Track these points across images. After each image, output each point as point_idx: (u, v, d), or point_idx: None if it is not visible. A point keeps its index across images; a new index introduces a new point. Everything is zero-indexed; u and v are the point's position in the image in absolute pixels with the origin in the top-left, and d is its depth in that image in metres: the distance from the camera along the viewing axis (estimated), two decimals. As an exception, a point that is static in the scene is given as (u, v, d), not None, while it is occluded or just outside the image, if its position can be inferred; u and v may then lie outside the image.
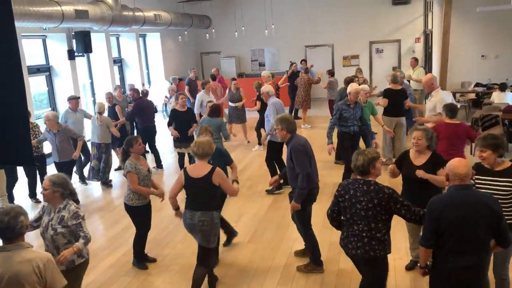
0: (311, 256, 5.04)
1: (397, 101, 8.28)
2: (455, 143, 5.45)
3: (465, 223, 3.17)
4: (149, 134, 9.16)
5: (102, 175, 8.37)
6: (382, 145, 8.51)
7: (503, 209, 3.36)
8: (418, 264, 3.66)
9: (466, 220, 3.16)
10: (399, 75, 8.84)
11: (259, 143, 10.43)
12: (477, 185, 3.75)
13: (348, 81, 8.90)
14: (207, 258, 4.49)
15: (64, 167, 7.23)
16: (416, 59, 12.09)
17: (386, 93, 8.52)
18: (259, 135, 10.51)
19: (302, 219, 4.92)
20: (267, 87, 8.21)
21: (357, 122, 7.20)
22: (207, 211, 4.33)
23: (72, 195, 3.83)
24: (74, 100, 8.43)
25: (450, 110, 5.76)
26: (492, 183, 3.69)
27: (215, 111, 7.35)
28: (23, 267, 2.81)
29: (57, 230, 3.68)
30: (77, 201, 3.90)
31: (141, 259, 5.34)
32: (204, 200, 4.33)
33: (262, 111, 9.50)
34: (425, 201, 3.47)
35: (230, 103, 10.94)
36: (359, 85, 8.29)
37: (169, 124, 8.33)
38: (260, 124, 10.11)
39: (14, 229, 2.86)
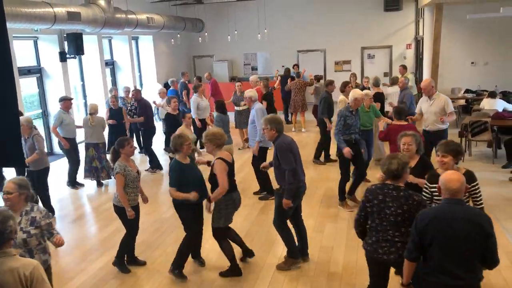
0: (288, 251, 5.13)
1: (380, 102, 9.21)
2: None
3: (450, 238, 3.01)
4: (149, 135, 9.63)
5: (107, 172, 8.49)
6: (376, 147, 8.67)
7: None
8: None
9: (452, 236, 3.00)
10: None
11: None
12: (429, 193, 3.94)
13: (344, 85, 9.00)
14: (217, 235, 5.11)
15: (36, 175, 6.74)
16: (404, 66, 12.25)
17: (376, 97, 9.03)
18: None
19: (281, 213, 5.01)
20: (251, 91, 7.90)
21: (358, 129, 6.84)
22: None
23: (32, 198, 3.81)
24: (67, 101, 8.34)
25: (397, 112, 6.51)
26: None
27: (221, 107, 7.75)
28: (7, 278, 2.65)
29: (30, 232, 3.65)
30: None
31: (124, 263, 5.32)
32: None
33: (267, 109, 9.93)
34: None
35: (236, 108, 10.81)
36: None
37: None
38: None
39: (3, 233, 2.73)
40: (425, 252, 3.15)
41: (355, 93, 6.77)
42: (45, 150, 7.36)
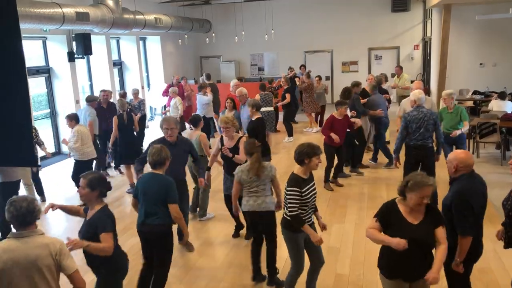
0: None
1: None
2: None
3: (485, 202, 3.71)
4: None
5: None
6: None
7: None
8: (455, 260, 3.61)
9: (485, 199, 3.71)
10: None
11: (290, 135, 11.13)
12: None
13: (354, 85, 9.12)
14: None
15: (8, 189, 6.28)
16: (401, 67, 12.64)
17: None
18: (289, 127, 11.48)
19: None
20: (243, 89, 8.45)
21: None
22: None
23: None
24: (94, 102, 9.05)
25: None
26: None
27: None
28: (42, 251, 2.96)
29: None
30: None
31: None
32: None
33: (288, 104, 11.64)
34: None
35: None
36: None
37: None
38: (287, 116, 11.61)
39: (32, 213, 3.01)
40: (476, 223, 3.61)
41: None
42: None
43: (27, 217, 2.99)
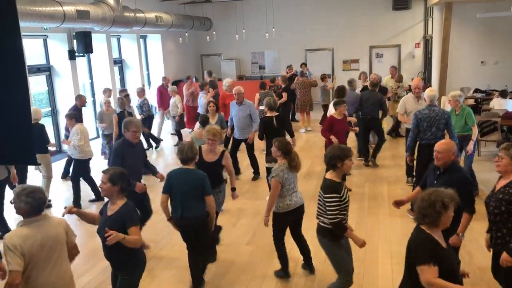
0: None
1: None
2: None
3: None
4: None
5: None
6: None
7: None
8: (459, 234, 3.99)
9: None
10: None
11: (291, 135, 10.91)
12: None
13: (349, 82, 9.41)
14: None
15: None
16: (395, 68, 12.66)
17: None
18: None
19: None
20: (241, 88, 8.38)
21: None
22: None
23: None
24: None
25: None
26: None
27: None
28: (59, 229, 3.42)
29: None
30: None
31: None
32: None
33: (285, 103, 11.86)
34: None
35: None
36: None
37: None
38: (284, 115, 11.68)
39: (45, 202, 3.43)
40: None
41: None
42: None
43: (42, 206, 3.36)
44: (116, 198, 3.68)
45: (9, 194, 5.06)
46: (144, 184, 5.48)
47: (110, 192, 3.66)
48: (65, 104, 11.06)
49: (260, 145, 9.00)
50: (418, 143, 6.55)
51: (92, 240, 6.21)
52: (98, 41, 12.28)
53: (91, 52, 11.24)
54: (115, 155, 5.23)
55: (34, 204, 3.27)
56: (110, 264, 3.83)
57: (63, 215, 3.76)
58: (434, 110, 6.40)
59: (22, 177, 7.12)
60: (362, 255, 5.32)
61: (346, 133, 7.59)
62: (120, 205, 3.66)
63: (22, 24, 8.25)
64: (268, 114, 7.38)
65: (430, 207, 2.87)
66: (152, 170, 5.68)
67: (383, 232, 6.07)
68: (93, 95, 12.81)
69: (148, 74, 15.80)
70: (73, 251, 3.62)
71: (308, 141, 11.40)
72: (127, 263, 3.70)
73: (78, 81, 11.53)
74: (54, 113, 11.29)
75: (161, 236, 6.23)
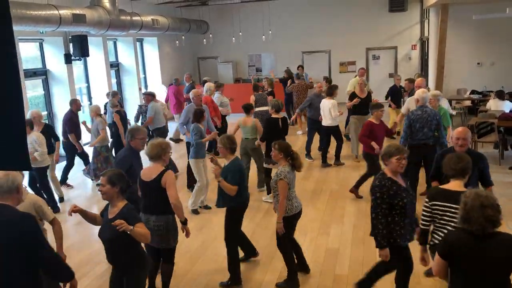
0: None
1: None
2: None
3: None
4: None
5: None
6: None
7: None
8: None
9: None
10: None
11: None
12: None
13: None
14: (172, 255, 4.61)
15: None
16: (364, 69, 12.29)
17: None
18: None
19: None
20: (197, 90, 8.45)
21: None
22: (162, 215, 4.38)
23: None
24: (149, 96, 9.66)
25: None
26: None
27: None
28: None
29: None
30: None
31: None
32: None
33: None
34: None
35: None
36: None
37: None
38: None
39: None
40: None
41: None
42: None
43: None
44: (116, 200, 3.62)
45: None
46: None
47: (110, 194, 3.60)
48: (61, 108, 11.02)
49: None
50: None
51: (89, 245, 6.19)
52: (95, 44, 12.26)
53: (87, 55, 11.20)
54: (122, 167, 4.72)
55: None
56: (114, 268, 3.77)
57: (70, 214, 3.71)
58: (426, 111, 6.42)
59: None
60: (361, 257, 5.30)
61: (383, 139, 7.11)
62: (121, 207, 3.61)
63: (18, 28, 8.24)
64: (274, 116, 7.34)
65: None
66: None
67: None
68: (90, 99, 12.77)
69: (145, 78, 15.77)
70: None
71: (305, 143, 11.37)
72: (131, 265, 3.66)
73: (75, 85, 11.50)
74: (50, 117, 11.25)
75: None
